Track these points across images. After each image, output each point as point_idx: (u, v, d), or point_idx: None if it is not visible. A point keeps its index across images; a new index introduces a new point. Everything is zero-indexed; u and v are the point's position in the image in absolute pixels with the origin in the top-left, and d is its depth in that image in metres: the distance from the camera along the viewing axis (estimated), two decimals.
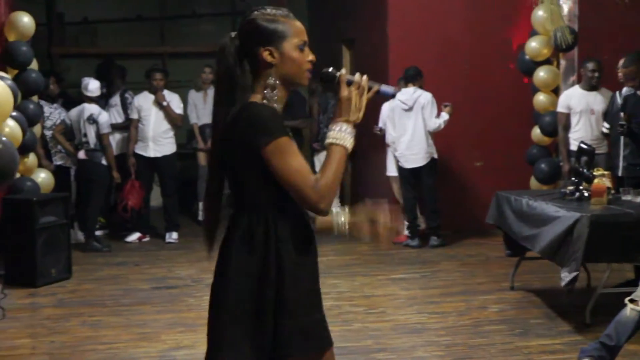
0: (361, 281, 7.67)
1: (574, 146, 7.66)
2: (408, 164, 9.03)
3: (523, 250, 6.89)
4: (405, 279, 7.73)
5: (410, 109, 8.98)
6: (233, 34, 2.78)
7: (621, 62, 7.27)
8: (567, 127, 8.09)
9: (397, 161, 9.16)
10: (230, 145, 2.68)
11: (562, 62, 9.02)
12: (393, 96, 2.80)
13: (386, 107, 9.24)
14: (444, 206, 9.28)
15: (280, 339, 2.69)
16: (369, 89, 2.71)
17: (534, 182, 9.07)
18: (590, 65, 7.94)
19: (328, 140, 2.67)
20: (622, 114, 7.14)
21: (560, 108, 8.18)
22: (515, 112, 9.65)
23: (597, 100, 7.92)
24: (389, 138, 9.21)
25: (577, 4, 8.91)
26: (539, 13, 8.80)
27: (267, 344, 2.69)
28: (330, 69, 2.77)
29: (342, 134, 2.65)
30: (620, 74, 7.29)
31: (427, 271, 8.01)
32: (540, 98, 9.01)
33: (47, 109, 9.67)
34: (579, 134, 7.89)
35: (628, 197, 6.34)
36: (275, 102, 2.70)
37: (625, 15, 8.55)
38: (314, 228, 2.81)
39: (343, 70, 2.74)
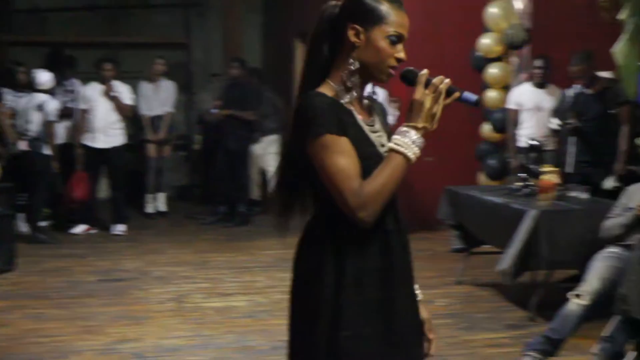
0: None
1: (523, 143, 7.74)
2: None
3: (474, 245, 6.95)
4: None
5: None
6: (336, 2, 2.50)
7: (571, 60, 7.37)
8: (516, 123, 8.17)
9: None
10: (291, 139, 2.45)
11: (514, 60, 9.09)
12: (476, 104, 2.44)
13: None
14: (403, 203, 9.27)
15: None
16: (449, 94, 2.39)
17: (482, 178, 9.14)
18: (537, 62, 8.03)
19: (390, 145, 2.36)
20: (571, 112, 7.22)
21: (510, 104, 8.26)
22: (466, 108, 9.64)
23: (545, 98, 8.01)
24: None
25: (530, 1, 8.98)
26: (492, 10, 8.86)
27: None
28: (412, 68, 2.44)
29: (406, 141, 2.33)
30: (570, 72, 7.38)
31: None
32: (491, 94, 9.07)
33: (11, 97, 9.51)
34: (528, 131, 7.97)
35: (575, 194, 6.42)
36: (351, 90, 2.43)
37: (578, 14, 8.64)
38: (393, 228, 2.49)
39: (425, 71, 2.41)
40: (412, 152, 2.33)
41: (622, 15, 5.91)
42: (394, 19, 2.41)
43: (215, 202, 10.70)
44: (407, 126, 2.35)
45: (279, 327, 5.92)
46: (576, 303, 4.92)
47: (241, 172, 10.41)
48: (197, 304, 6.69)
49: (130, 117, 9.97)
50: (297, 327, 2.53)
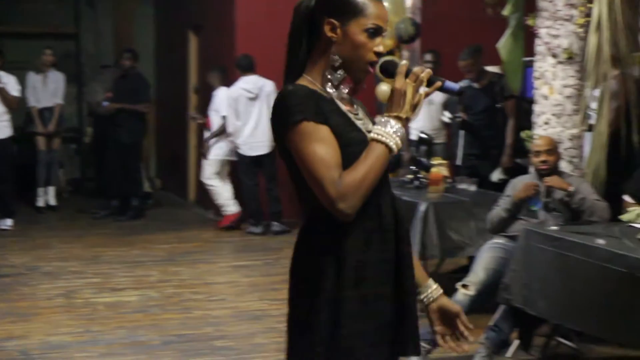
0: (203, 268, 7.64)
1: (413, 136, 7.85)
2: (251, 152, 9.04)
3: None
4: (247, 266, 7.74)
5: (255, 97, 9.00)
6: None
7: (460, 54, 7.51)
8: None
9: (238, 149, 9.16)
10: (274, 134, 2.36)
11: (405, 54, 9.21)
12: (459, 93, 2.40)
13: (223, 96, 9.23)
14: (286, 193, 9.33)
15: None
16: (431, 84, 2.29)
17: None
18: (427, 57, 8.16)
19: (370, 135, 2.28)
20: (459, 106, 7.38)
21: None
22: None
23: (436, 91, 8.13)
24: (230, 127, 9.17)
25: None
26: (384, 4, 8.96)
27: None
28: (392, 59, 2.36)
29: (387, 130, 2.25)
30: (459, 66, 7.52)
31: (270, 258, 8.04)
32: (383, 88, 9.15)
33: None
34: (418, 124, 8.08)
35: (464, 186, 6.56)
36: (336, 87, 2.37)
37: (466, 10, 8.81)
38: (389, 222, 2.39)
39: (405, 61, 2.33)
40: (394, 142, 2.26)
41: (506, 11, 6.07)
42: (372, 11, 2.33)
43: (107, 195, 10.52)
44: (388, 116, 2.28)
45: (171, 321, 5.93)
46: (463, 293, 5.04)
47: (133, 165, 10.28)
48: (86, 299, 6.59)
49: (16, 109, 9.70)
50: (297, 325, 2.42)
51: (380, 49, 2.35)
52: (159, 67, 13.15)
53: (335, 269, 2.30)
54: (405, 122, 2.29)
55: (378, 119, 2.32)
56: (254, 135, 9.02)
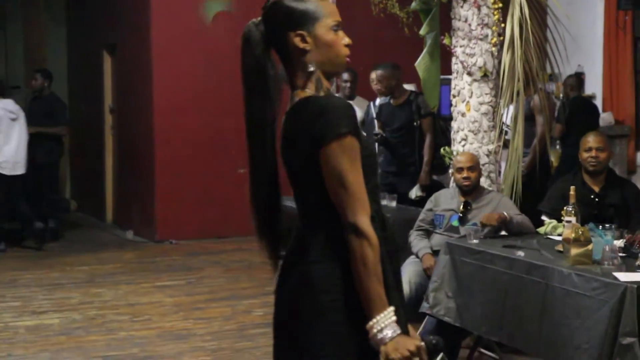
0: (125, 289, 7.56)
1: None
2: (13, 172, 9.29)
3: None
4: (170, 286, 7.69)
5: (16, 118, 9.34)
6: (257, 20, 2.45)
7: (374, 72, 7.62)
8: None
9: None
10: (288, 145, 2.40)
11: None
12: None
13: None
14: (210, 212, 9.35)
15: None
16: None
17: None
18: (345, 76, 8.28)
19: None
20: (376, 123, 7.50)
21: None
22: (278, 120, 9.84)
23: (354, 109, 8.24)
24: None
25: None
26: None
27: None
28: (435, 341, 2.42)
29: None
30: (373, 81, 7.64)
31: (192, 278, 8.02)
32: None
33: None
34: None
35: (384, 202, 6.66)
36: (328, 90, 2.43)
37: (379, 28, 8.96)
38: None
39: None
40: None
41: (422, 31, 6.21)
42: (327, 10, 2.44)
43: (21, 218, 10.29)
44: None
45: (96, 343, 5.87)
46: None
47: (51, 186, 10.12)
48: (6, 323, 6.47)
49: None
50: (330, 336, 2.37)
51: (347, 40, 2.46)
52: (73, 87, 12.97)
53: (344, 278, 2.35)
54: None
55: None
56: (16, 155, 9.28)
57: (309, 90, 2.40)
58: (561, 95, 9.69)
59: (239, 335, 6.04)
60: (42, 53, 12.97)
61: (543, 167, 6.98)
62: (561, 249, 4.46)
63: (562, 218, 4.71)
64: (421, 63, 6.38)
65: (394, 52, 8.65)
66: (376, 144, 7.42)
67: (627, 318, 3.72)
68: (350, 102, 8.05)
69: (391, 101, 7.48)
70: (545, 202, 5.41)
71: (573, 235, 4.24)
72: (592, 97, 10.11)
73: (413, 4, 6.22)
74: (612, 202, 5.20)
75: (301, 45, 2.40)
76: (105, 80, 11.56)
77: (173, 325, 6.38)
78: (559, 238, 4.66)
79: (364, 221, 2.30)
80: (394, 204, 6.66)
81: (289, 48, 2.42)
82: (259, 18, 2.47)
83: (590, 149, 5.23)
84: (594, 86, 10.13)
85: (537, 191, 6.23)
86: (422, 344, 2.33)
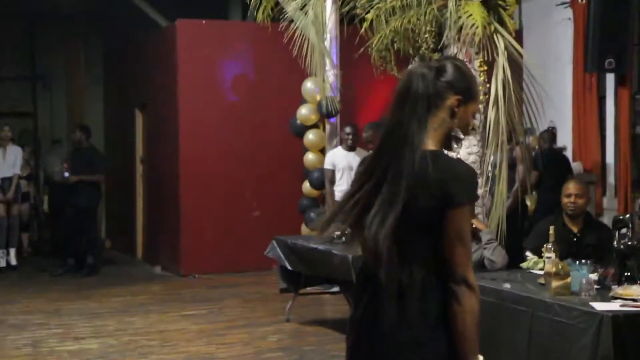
0: (155, 318, 7.52)
1: (338, 197, 7.96)
2: None
3: (296, 285, 7.08)
4: (194, 315, 7.65)
5: None
6: (434, 65, 2.38)
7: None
8: (332, 181, 8.40)
9: None
10: (416, 190, 2.27)
11: (327, 126, 9.37)
12: None
13: None
14: (229, 250, 9.34)
15: None
16: None
17: (304, 229, 9.28)
18: (347, 129, 8.34)
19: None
20: None
21: (326, 165, 8.49)
22: (288, 169, 9.90)
23: (355, 159, 8.27)
24: None
25: (338, 76, 9.27)
26: (308, 85, 9.11)
27: None
28: None
29: None
30: (362, 138, 7.72)
31: (214, 307, 7.97)
32: (310, 157, 9.27)
33: None
34: (342, 187, 8.20)
35: None
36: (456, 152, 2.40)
37: (378, 87, 9.02)
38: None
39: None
40: None
41: None
42: (479, 99, 2.45)
43: (64, 255, 10.29)
44: None
45: None
46: None
47: (90, 227, 10.12)
48: (52, 347, 6.43)
49: None
50: None
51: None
52: (109, 140, 13.04)
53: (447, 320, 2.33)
54: None
55: None
56: None
57: (437, 143, 2.36)
58: (536, 147, 9.71)
59: (256, 358, 5.98)
60: (81, 110, 13.06)
61: (521, 209, 6.98)
62: (543, 282, 4.44)
63: (543, 254, 4.71)
64: None
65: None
66: None
67: (604, 345, 3.70)
68: (352, 152, 8.20)
69: None
70: (529, 240, 5.39)
71: (554, 269, 4.24)
72: (563, 149, 10.14)
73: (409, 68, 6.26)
74: (589, 242, 5.20)
75: (456, 108, 2.37)
76: (137, 134, 11.63)
77: (198, 350, 6.33)
78: (541, 272, 4.64)
79: (473, 277, 2.30)
80: None
81: (440, 104, 2.36)
82: (436, 66, 2.40)
83: (570, 195, 5.24)
84: (565, 139, 10.16)
85: (518, 230, 6.23)
86: None
